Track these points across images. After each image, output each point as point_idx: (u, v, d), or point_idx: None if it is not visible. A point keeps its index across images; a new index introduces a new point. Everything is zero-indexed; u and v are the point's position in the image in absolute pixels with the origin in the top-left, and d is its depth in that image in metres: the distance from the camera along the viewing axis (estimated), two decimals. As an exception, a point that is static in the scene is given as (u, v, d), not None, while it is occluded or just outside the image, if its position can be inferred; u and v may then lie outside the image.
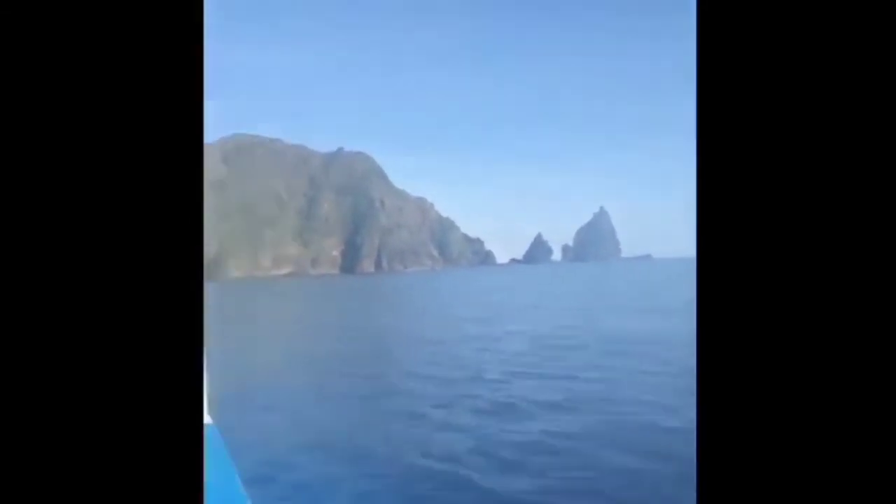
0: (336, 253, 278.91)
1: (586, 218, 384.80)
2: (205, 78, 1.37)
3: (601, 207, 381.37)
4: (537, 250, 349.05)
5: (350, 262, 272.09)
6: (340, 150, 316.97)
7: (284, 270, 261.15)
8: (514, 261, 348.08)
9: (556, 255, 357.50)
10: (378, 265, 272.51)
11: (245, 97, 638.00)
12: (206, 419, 2.62)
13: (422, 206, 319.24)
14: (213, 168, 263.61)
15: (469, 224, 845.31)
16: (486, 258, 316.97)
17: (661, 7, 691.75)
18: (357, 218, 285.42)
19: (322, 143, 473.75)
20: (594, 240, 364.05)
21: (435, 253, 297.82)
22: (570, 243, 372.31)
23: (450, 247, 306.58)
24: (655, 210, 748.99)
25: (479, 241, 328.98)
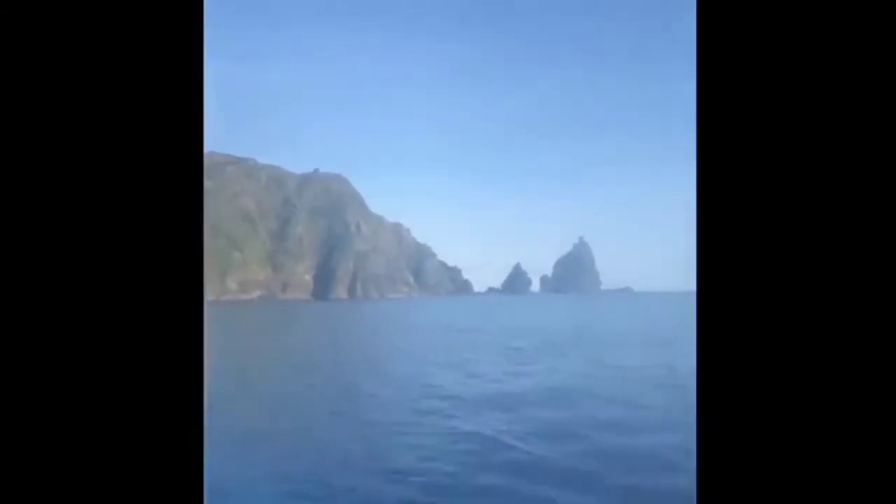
0: (308, 277, 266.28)
1: (566, 248, 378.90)
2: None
3: (581, 238, 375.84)
4: (516, 280, 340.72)
5: (323, 287, 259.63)
6: (316, 171, 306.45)
7: (253, 294, 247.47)
8: (491, 290, 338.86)
9: (535, 286, 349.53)
10: (352, 291, 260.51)
11: (217, 114, 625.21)
12: None
13: (398, 231, 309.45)
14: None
15: (447, 252, 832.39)
16: (463, 287, 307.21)
17: (647, 41, 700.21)
18: (331, 241, 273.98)
19: (297, 164, 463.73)
20: (574, 271, 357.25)
21: (411, 280, 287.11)
22: (549, 274, 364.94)
23: (427, 274, 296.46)
24: (636, 243, 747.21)
25: (456, 270, 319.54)
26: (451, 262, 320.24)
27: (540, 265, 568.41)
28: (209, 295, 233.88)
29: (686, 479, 8.57)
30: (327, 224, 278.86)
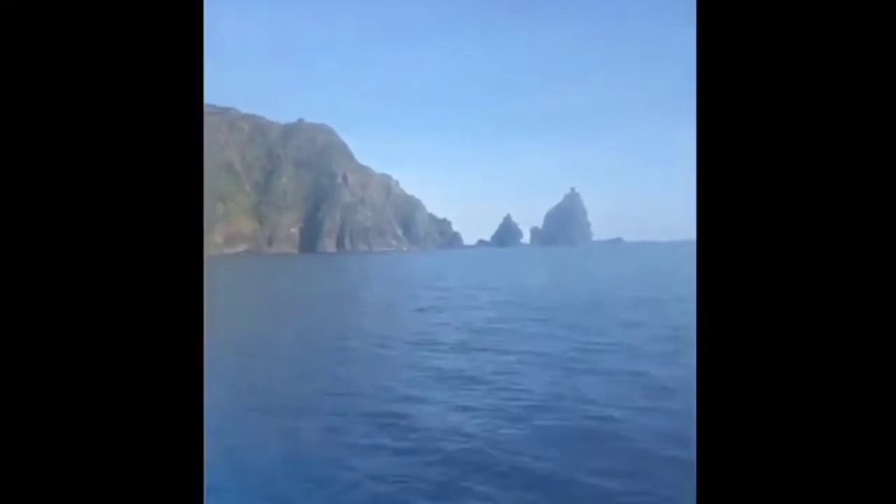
0: (294, 230, 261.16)
1: (556, 199, 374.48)
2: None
3: (572, 189, 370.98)
4: (506, 232, 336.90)
5: (310, 240, 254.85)
6: (301, 121, 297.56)
7: (238, 248, 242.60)
8: (481, 242, 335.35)
9: (526, 238, 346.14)
10: (340, 244, 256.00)
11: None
12: None
13: (386, 183, 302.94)
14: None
15: (436, 204, 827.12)
16: (453, 240, 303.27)
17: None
18: (318, 193, 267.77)
19: (280, 115, 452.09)
20: (565, 222, 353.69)
21: (400, 233, 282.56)
22: (540, 226, 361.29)
23: (415, 227, 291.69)
24: (627, 193, 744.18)
25: (446, 222, 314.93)
26: (440, 215, 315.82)
27: (531, 217, 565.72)
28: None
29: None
30: (313, 176, 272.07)
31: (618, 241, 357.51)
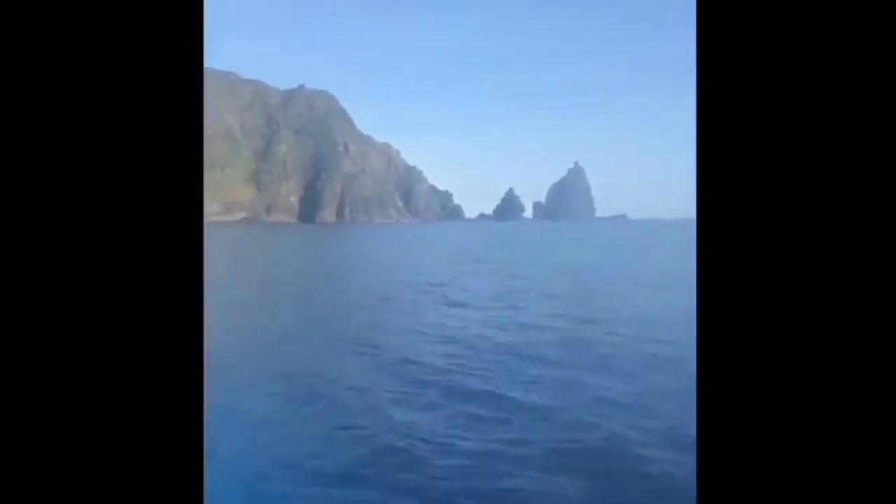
0: (294, 199, 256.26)
1: (560, 174, 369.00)
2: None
3: (576, 163, 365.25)
4: (508, 206, 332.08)
5: (309, 209, 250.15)
6: (301, 87, 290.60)
7: (236, 217, 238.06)
8: (483, 216, 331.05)
9: (528, 212, 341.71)
10: (340, 214, 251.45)
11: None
12: None
13: (387, 153, 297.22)
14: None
15: (437, 176, 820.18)
16: (453, 212, 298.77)
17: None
18: (318, 162, 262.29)
19: (281, 80, 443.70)
20: (568, 197, 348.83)
21: (400, 204, 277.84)
22: (543, 200, 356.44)
23: (416, 198, 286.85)
24: (632, 169, 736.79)
25: (447, 194, 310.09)
26: (441, 186, 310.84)
27: (534, 191, 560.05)
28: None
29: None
30: (313, 143, 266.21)
31: (622, 217, 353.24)
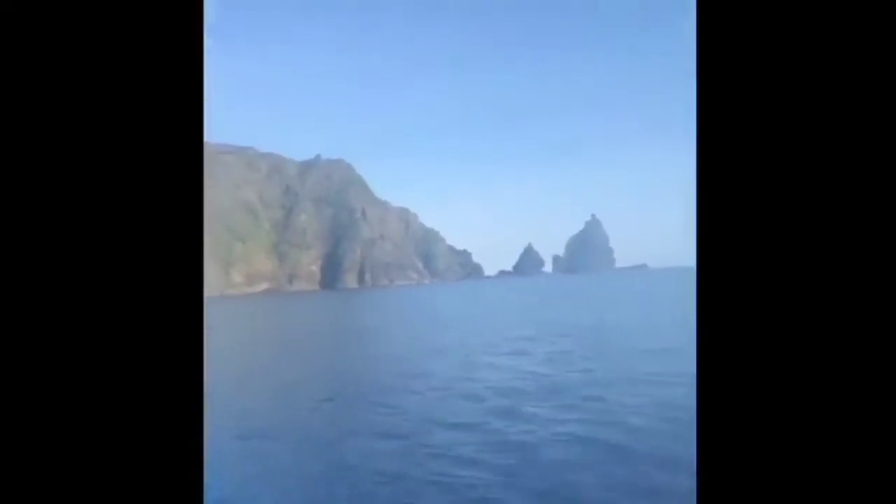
0: (315, 267, 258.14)
1: (578, 227, 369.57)
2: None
3: (593, 216, 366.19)
4: (527, 262, 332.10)
5: (330, 276, 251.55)
6: (318, 157, 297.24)
7: (259, 288, 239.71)
8: (503, 273, 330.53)
9: (548, 267, 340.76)
10: (361, 280, 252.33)
11: (214, 103, 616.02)
12: None
13: (405, 216, 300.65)
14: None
15: (454, 236, 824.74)
16: (473, 271, 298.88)
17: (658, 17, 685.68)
18: (337, 229, 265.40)
19: (297, 152, 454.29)
20: (587, 249, 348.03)
21: (420, 266, 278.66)
22: (562, 253, 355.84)
23: (436, 259, 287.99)
24: (650, 218, 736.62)
25: (466, 253, 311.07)
26: (459, 246, 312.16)
27: (552, 245, 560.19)
28: (214, 290, 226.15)
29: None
30: (332, 212, 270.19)
31: (642, 267, 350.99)
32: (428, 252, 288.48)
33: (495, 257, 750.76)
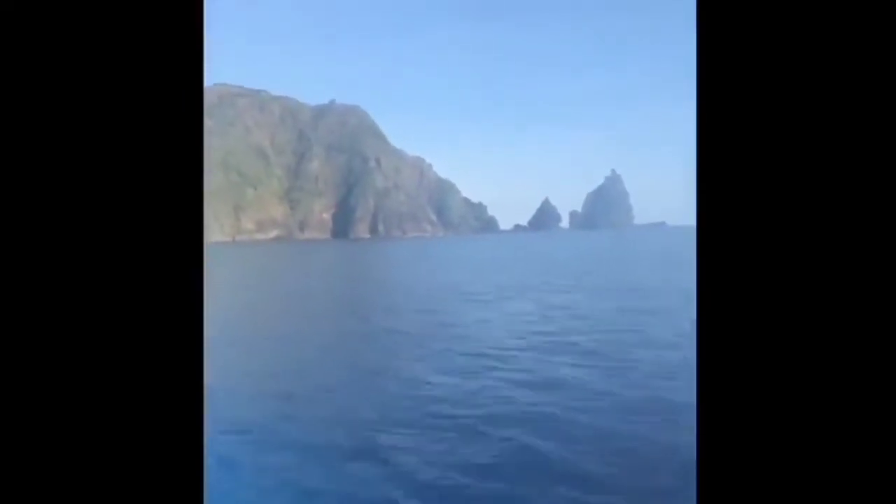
0: (326, 216, 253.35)
1: (597, 182, 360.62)
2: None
3: (613, 170, 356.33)
4: (544, 217, 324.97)
5: (342, 226, 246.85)
6: (332, 102, 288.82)
7: (270, 235, 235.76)
8: (518, 227, 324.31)
9: (564, 222, 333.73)
10: (373, 230, 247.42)
11: (229, 44, 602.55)
12: None
13: (419, 166, 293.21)
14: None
15: (470, 188, 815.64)
16: (488, 224, 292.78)
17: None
18: (350, 177, 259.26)
19: (311, 96, 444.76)
20: (605, 205, 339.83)
21: (434, 218, 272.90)
22: (579, 209, 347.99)
23: (450, 211, 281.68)
24: (671, 174, 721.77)
25: (481, 206, 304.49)
26: (475, 199, 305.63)
27: (570, 201, 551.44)
28: (226, 235, 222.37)
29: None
30: (345, 159, 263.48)
31: (661, 224, 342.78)
32: (442, 203, 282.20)
33: (511, 211, 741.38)
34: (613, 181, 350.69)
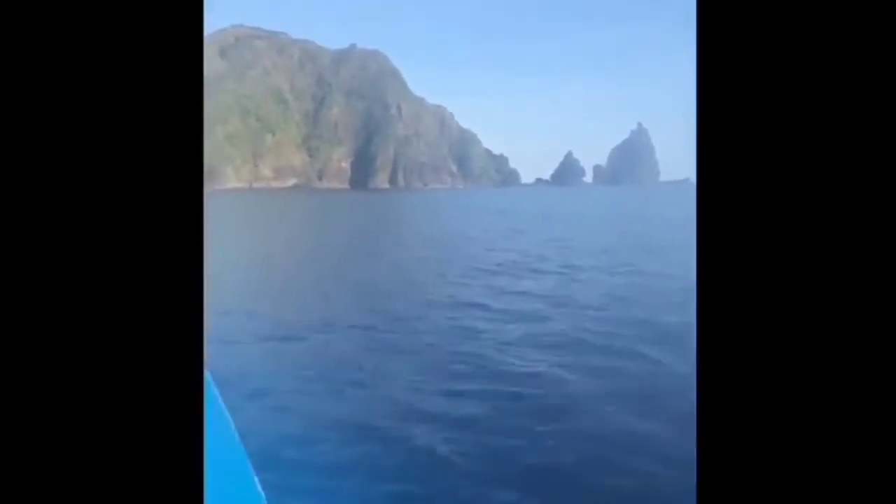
0: (345, 164, 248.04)
1: (622, 136, 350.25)
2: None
3: (639, 124, 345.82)
4: (567, 171, 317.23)
5: (362, 175, 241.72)
6: (353, 46, 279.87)
7: (288, 183, 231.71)
8: (540, 181, 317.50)
9: (588, 177, 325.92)
10: (393, 180, 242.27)
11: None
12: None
13: (441, 115, 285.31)
14: (208, 63, 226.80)
15: (492, 140, 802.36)
16: (510, 177, 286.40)
17: None
18: (370, 124, 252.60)
19: (332, 40, 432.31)
20: (630, 160, 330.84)
21: (454, 169, 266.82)
22: (604, 164, 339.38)
23: (471, 163, 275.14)
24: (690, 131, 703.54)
25: (502, 158, 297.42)
26: (496, 150, 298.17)
27: (594, 154, 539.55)
28: (243, 182, 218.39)
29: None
30: (365, 105, 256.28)
31: (685, 181, 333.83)
32: (463, 154, 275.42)
33: (533, 165, 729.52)
34: (639, 134, 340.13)
